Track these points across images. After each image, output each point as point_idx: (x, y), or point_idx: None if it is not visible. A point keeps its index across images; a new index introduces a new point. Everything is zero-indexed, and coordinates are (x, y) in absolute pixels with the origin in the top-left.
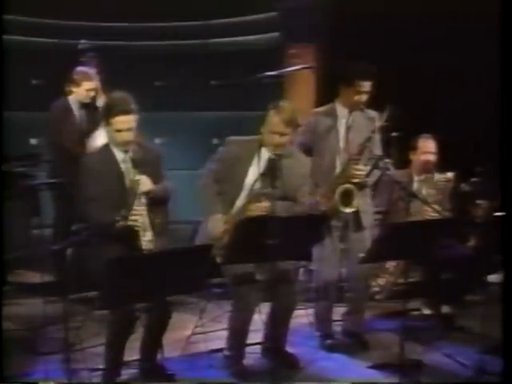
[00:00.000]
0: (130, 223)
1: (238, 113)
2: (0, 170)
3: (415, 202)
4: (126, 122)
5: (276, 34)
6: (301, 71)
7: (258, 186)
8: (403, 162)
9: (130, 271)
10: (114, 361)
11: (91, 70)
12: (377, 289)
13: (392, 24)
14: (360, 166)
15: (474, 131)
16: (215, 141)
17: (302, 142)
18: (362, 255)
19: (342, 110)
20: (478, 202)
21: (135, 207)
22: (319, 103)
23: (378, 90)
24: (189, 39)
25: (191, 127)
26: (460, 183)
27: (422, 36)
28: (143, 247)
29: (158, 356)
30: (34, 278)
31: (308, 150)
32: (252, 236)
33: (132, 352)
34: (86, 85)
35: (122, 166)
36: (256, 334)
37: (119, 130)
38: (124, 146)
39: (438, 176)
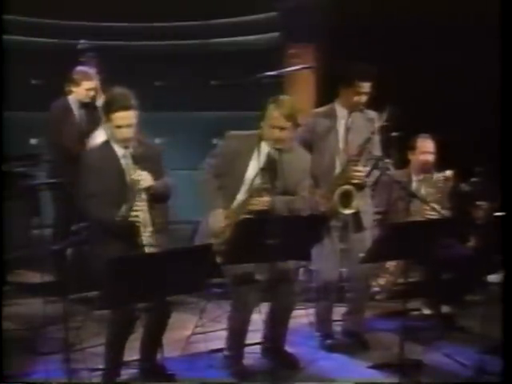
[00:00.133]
0: (131, 219)
1: (238, 113)
2: (0, 170)
3: (415, 201)
4: (126, 117)
5: (276, 34)
6: (301, 71)
7: (258, 180)
8: (402, 162)
9: (130, 271)
10: (114, 361)
11: (91, 70)
12: (377, 289)
13: (392, 24)
14: (359, 167)
15: (474, 131)
16: (215, 141)
17: (302, 138)
18: (362, 255)
19: (341, 111)
20: (479, 203)
21: (136, 203)
22: (319, 103)
23: (377, 90)
24: (189, 39)
25: (191, 127)
26: (460, 183)
27: (421, 36)
28: (144, 243)
29: (158, 356)
30: (34, 278)
31: (308, 146)
32: (252, 236)
33: (132, 352)
34: (86, 84)
35: (123, 162)
36: (256, 333)
37: (119, 126)
38: (124, 142)
39: (436, 175)
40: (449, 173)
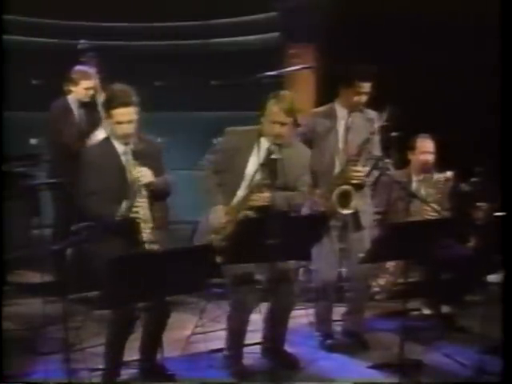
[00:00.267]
0: (131, 215)
1: (238, 113)
2: (0, 170)
3: (415, 202)
4: (127, 114)
5: (276, 34)
6: (301, 71)
7: (258, 176)
8: (402, 162)
9: (130, 271)
10: (114, 361)
11: (89, 69)
12: (377, 289)
13: (392, 24)
14: (359, 167)
15: (474, 131)
16: (215, 141)
17: (302, 138)
18: (361, 255)
19: (341, 111)
20: (479, 203)
21: (136, 199)
22: (319, 103)
23: (377, 90)
24: (189, 39)
25: (191, 127)
26: (460, 183)
27: (421, 36)
28: (144, 239)
29: (158, 356)
30: (34, 278)
31: (308, 146)
32: (252, 236)
33: (132, 352)
34: (85, 83)
35: (123, 159)
36: (256, 334)
37: (120, 123)
38: (124, 138)
39: (436, 175)
40: (449, 173)
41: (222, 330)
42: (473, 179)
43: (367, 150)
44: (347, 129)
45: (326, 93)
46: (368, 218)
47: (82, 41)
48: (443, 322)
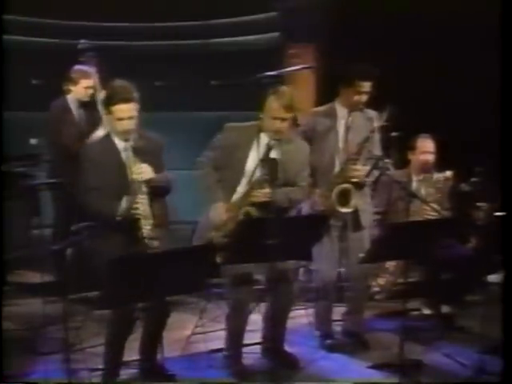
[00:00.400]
0: (131, 212)
1: (238, 113)
2: (0, 170)
3: (415, 201)
4: (127, 110)
5: (276, 34)
6: (301, 71)
7: (258, 172)
8: (402, 162)
9: (130, 271)
10: (114, 361)
11: (89, 68)
12: (377, 288)
13: (392, 24)
14: (358, 166)
15: (474, 131)
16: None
17: (303, 137)
18: (361, 255)
19: (341, 110)
20: (479, 204)
21: (136, 196)
22: (319, 103)
23: (377, 90)
24: (189, 39)
25: (191, 127)
26: (460, 183)
27: (421, 36)
28: (144, 235)
29: (158, 356)
30: (34, 278)
31: (308, 141)
32: (252, 236)
33: (132, 352)
34: (84, 83)
35: (123, 155)
36: (256, 333)
37: (120, 119)
38: (125, 134)
39: (436, 175)
40: (449, 173)
41: (221, 330)
42: (473, 179)
43: (367, 149)
44: (347, 128)
45: (326, 92)
46: (368, 217)
47: (82, 41)
48: (443, 322)
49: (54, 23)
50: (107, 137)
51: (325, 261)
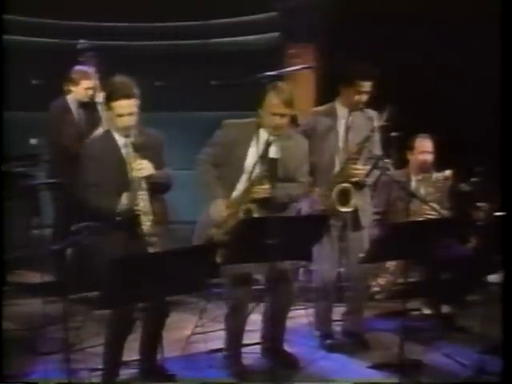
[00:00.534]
0: (132, 207)
1: (238, 113)
2: (0, 170)
3: (414, 201)
4: (127, 106)
5: (276, 34)
6: (301, 71)
7: (258, 168)
8: (401, 162)
9: (130, 271)
10: (113, 361)
11: (89, 69)
12: (377, 288)
13: (392, 24)
14: (358, 166)
15: (474, 131)
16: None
17: (303, 133)
18: (361, 255)
19: (341, 110)
20: (479, 204)
21: (136, 192)
22: (319, 103)
23: (377, 90)
24: (189, 39)
25: (191, 127)
26: (459, 183)
27: (421, 36)
28: (144, 231)
29: (158, 356)
30: (34, 278)
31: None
32: (251, 236)
33: (132, 352)
34: (85, 83)
35: (123, 152)
36: (256, 333)
37: (120, 115)
38: (125, 130)
39: (435, 175)
40: (448, 172)
41: (221, 330)
42: (473, 179)
43: (367, 149)
44: (347, 128)
45: (326, 92)
46: (368, 217)
47: (81, 41)
48: (443, 321)
49: (53, 23)
50: (107, 133)
51: (325, 261)
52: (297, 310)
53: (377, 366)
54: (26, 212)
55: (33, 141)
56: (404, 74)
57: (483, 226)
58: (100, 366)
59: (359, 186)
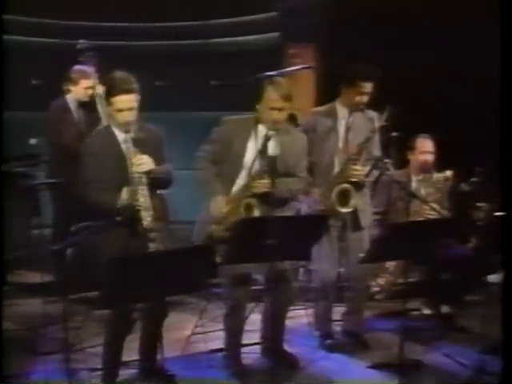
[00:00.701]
0: (132, 203)
1: (238, 113)
2: (0, 170)
3: (414, 201)
4: (127, 101)
5: (276, 34)
6: (301, 71)
7: (257, 163)
8: (402, 162)
9: (130, 271)
10: (113, 361)
11: (88, 68)
12: (377, 288)
13: (392, 24)
14: (358, 166)
15: (474, 131)
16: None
17: (303, 131)
18: (361, 255)
19: (342, 110)
20: (479, 204)
21: (136, 187)
22: (319, 103)
23: (377, 90)
24: (189, 39)
25: (191, 127)
26: (459, 183)
27: (422, 36)
28: (145, 226)
29: (158, 356)
30: (34, 278)
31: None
32: (251, 236)
33: (132, 352)
34: (84, 83)
35: (123, 147)
36: (256, 333)
37: (120, 110)
38: (125, 125)
39: (436, 175)
40: (449, 173)
41: (221, 330)
42: (473, 179)
43: (367, 150)
44: (348, 128)
45: (326, 92)
46: (367, 217)
47: (81, 40)
48: (443, 322)
49: (53, 23)
50: (107, 129)
51: (324, 261)
52: (297, 309)
53: (377, 366)
54: (26, 212)
55: (33, 141)
56: (404, 74)
57: (483, 225)
58: (100, 366)
59: (359, 186)
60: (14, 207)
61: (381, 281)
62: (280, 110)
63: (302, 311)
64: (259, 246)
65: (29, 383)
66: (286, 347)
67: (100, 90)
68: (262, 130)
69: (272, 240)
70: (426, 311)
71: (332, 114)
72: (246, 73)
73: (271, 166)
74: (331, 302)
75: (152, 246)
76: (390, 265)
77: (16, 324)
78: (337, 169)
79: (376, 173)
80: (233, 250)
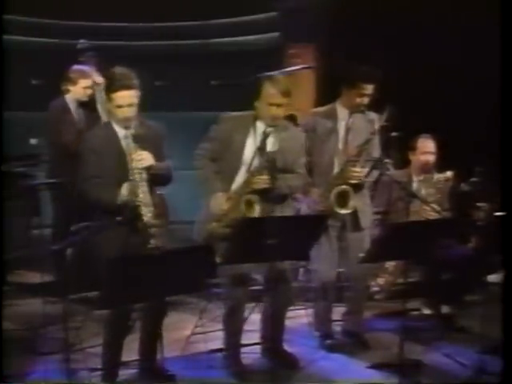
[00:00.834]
0: (132, 198)
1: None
2: (0, 170)
3: (415, 202)
4: (127, 97)
5: (276, 34)
6: (301, 71)
7: (256, 159)
8: (403, 162)
9: (130, 271)
10: (112, 361)
11: (87, 68)
12: (376, 288)
13: (392, 24)
14: (357, 168)
15: (474, 131)
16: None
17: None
18: (361, 255)
19: (342, 111)
20: (479, 204)
21: (136, 182)
22: (319, 103)
23: (378, 91)
24: (189, 39)
25: (191, 127)
26: (460, 183)
27: (422, 36)
28: (145, 221)
29: (158, 356)
30: (34, 278)
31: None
32: (250, 236)
33: (131, 353)
34: (83, 82)
35: (123, 143)
36: (256, 333)
37: (120, 106)
38: (125, 121)
39: (437, 175)
40: (449, 173)
41: (221, 330)
42: (473, 179)
43: (367, 151)
44: (348, 129)
45: (326, 93)
46: (367, 218)
47: (81, 40)
48: (443, 321)
49: (53, 23)
50: (107, 125)
51: (323, 261)
52: (297, 310)
53: (377, 366)
54: (26, 212)
55: (33, 141)
56: (404, 74)
57: (483, 225)
58: (100, 366)
59: (358, 187)
60: (13, 207)
61: (380, 281)
62: (279, 105)
63: (302, 311)
64: (258, 245)
65: (29, 383)
66: (286, 347)
67: (100, 86)
68: (260, 126)
69: (271, 240)
70: (426, 311)
71: (332, 115)
72: (245, 73)
73: (270, 162)
74: (331, 302)
75: (153, 242)
76: (390, 265)
77: (16, 324)
78: (336, 170)
79: (376, 173)
80: (232, 249)
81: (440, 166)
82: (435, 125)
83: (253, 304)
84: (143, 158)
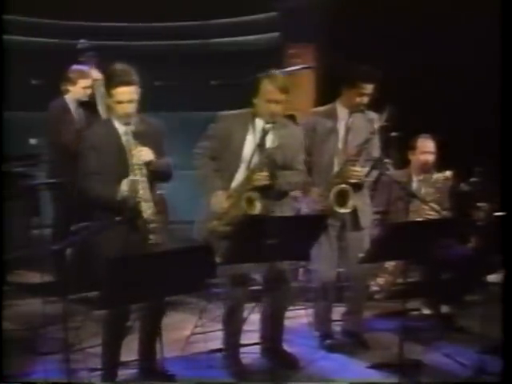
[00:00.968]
0: (132, 194)
1: None
2: (0, 170)
3: (415, 201)
4: (127, 93)
5: (276, 34)
6: (301, 71)
7: (256, 157)
8: (402, 162)
9: (130, 271)
10: (111, 361)
11: (87, 68)
12: (376, 288)
13: (392, 24)
14: (357, 168)
15: (474, 131)
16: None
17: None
18: (361, 255)
19: (342, 111)
20: (479, 204)
21: (136, 178)
22: (319, 103)
23: (378, 91)
24: (189, 39)
25: (191, 127)
26: (459, 183)
27: (421, 36)
28: (145, 218)
29: (158, 356)
30: (34, 278)
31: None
32: (250, 236)
33: (131, 353)
34: (82, 82)
35: (123, 139)
36: (255, 333)
37: (120, 102)
38: (125, 117)
39: (436, 175)
40: (449, 173)
41: (221, 330)
42: (473, 179)
43: (366, 151)
44: (347, 129)
45: (326, 93)
46: (367, 218)
47: (81, 40)
48: (443, 321)
49: (53, 23)
50: (108, 121)
51: (323, 261)
52: (296, 310)
53: (376, 366)
54: (25, 212)
55: (33, 141)
56: (404, 74)
57: (483, 225)
58: (99, 366)
59: (358, 187)
60: (14, 207)
61: (380, 281)
62: (277, 102)
63: (302, 311)
64: (258, 245)
65: (29, 383)
66: (286, 347)
67: (99, 81)
68: (259, 123)
69: (271, 240)
70: (426, 311)
71: (332, 115)
72: (245, 73)
73: (270, 159)
74: (331, 302)
75: (152, 238)
76: (390, 265)
77: (16, 324)
78: (336, 169)
79: (376, 173)
80: (232, 249)
81: (439, 165)
82: (435, 125)
83: (252, 304)
84: (143, 154)
